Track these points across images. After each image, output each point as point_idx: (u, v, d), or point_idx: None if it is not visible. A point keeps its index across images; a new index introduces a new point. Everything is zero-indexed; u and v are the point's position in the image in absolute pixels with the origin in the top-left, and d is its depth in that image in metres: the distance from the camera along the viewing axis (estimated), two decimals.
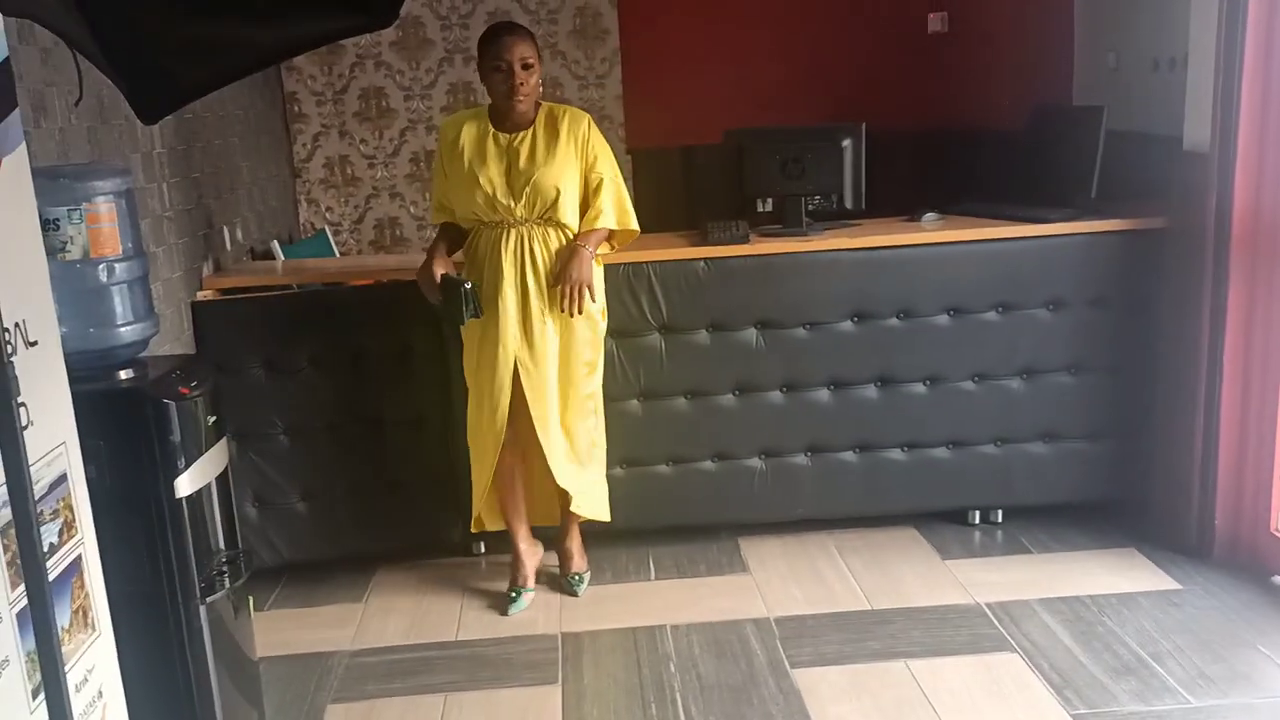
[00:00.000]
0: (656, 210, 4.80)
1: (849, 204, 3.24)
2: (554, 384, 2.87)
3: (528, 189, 2.77)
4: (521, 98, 2.74)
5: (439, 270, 2.78)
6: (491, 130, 2.80)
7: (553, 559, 3.15)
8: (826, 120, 4.38)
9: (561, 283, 2.78)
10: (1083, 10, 3.90)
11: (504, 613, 2.98)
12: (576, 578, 3.07)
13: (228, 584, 2.28)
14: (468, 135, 2.80)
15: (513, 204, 2.79)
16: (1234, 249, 2.87)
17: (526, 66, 2.72)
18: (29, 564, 1.38)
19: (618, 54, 4.77)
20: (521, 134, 2.80)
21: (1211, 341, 2.95)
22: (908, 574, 3.09)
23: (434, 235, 2.93)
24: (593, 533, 3.12)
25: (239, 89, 3.94)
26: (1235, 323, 2.91)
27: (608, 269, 3.08)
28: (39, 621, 1.39)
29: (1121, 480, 3.30)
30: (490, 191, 2.77)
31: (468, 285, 2.76)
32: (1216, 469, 3.00)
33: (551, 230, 2.81)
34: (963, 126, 4.56)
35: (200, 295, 3.22)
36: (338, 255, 4.48)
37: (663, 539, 3.35)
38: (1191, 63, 2.96)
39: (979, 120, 4.49)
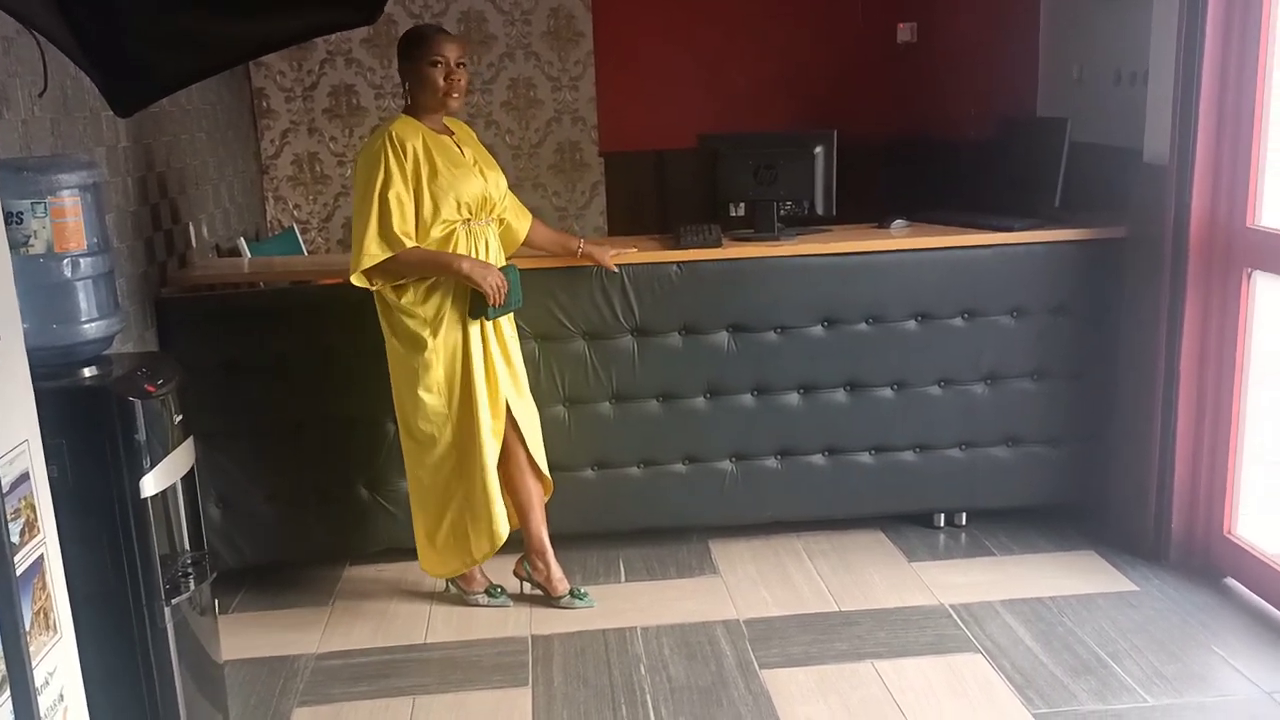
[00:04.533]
0: (629, 213, 4.86)
1: (820, 210, 3.28)
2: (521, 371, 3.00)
3: (493, 186, 2.85)
4: (456, 95, 2.75)
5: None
6: (434, 135, 2.77)
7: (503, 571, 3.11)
8: (798, 127, 4.44)
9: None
10: (1048, 24, 3.97)
11: (483, 600, 3.04)
12: (583, 591, 3.04)
13: (192, 585, 2.25)
14: (425, 142, 2.73)
15: (496, 199, 2.84)
16: (1191, 258, 2.94)
17: (461, 64, 2.75)
18: None
19: (591, 57, 4.77)
20: (450, 138, 2.82)
21: (1168, 349, 3.02)
22: (874, 576, 3.13)
23: (412, 259, 2.69)
24: (563, 535, 3.12)
25: (206, 83, 3.88)
26: (1191, 331, 2.98)
27: (580, 271, 3.10)
28: (6, 624, 1.37)
29: (1081, 484, 3.37)
30: (485, 186, 2.79)
31: (512, 264, 2.83)
32: (1172, 474, 3.07)
33: (494, 225, 2.90)
34: (931, 136, 4.62)
35: (165, 292, 3.18)
36: (305, 253, 4.43)
37: (633, 541, 3.36)
38: (1152, 77, 3.03)
39: (947, 130, 4.55)
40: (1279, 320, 2.91)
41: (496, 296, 2.73)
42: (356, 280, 2.72)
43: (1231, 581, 3.00)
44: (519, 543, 3.02)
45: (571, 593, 3.02)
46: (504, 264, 2.84)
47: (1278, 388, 2.96)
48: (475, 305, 2.76)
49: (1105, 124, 3.47)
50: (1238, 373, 2.93)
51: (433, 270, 2.73)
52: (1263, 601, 2.87)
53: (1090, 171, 3.41)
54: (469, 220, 2.78)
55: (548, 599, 3.03)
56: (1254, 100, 2.80)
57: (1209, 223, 2.92)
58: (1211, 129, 2.88)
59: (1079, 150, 3.34)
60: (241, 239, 4.03)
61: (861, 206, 3.50)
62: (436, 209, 2.71)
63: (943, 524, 3.44)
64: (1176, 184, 2.93)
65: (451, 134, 2.84)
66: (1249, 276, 2.88)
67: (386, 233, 2.67)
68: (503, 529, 2.88)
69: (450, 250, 2.75)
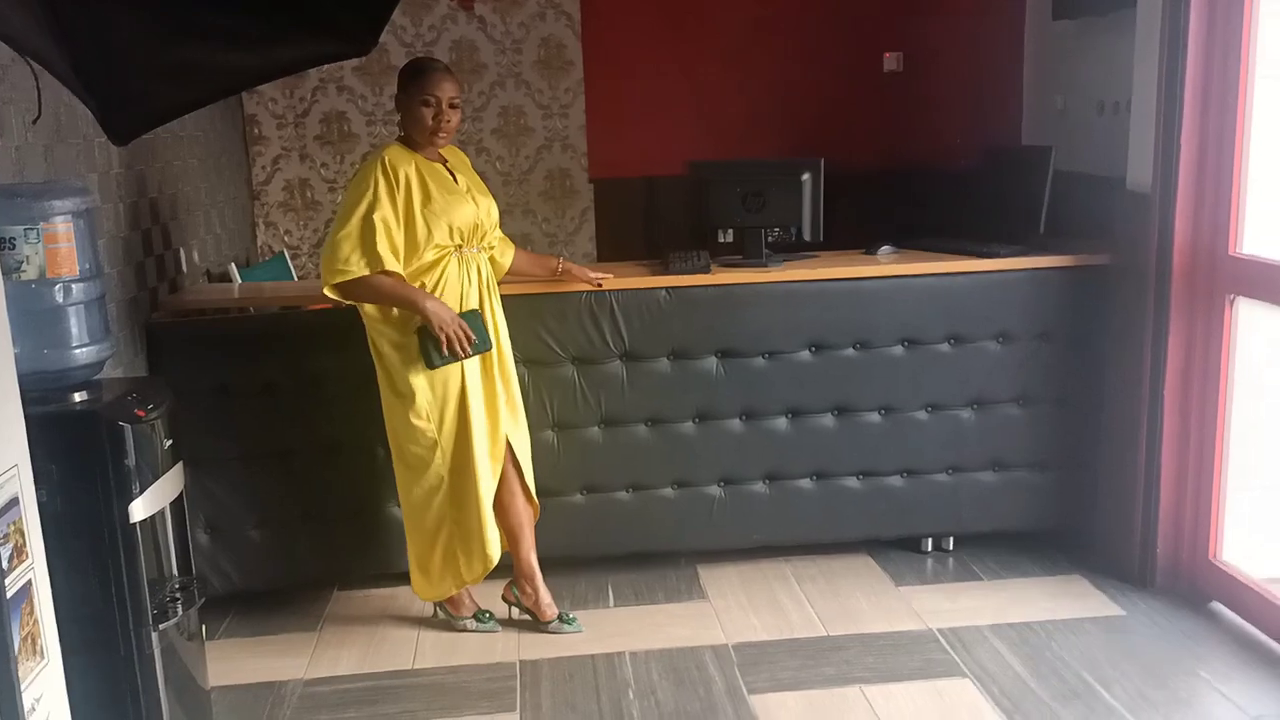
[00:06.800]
0: (619, 239, 4.89)
1: (807, 236, 3.31)
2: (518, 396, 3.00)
3: (485, 213, 2.87)
4: (444, 135, 2.78)
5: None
6: (427, 162, 2.80)
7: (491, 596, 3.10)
8: (786, 154, 4.47)
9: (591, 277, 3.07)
10: (1032, 55, 4.04)
11: (471, 625, 3.03)
12: (571, 616, 3.04)
13: (180, 611, 2.25)
14: (418, 168, 2.75)
15: (489, 225, 2.87)
16: (1174, 285, 2.98)
17: (453, 105, 2.77)
18: None
19: (581, 85, 4.82)
20: (443, 165, 2.84)
21: (1153, 375, 3.05)
22: (862, 600, 3.14)
23: (384, 286, 2.68)
24: (551, 559, 3.11)
25: (199, 110, 3.91)
26: (1175, 357, 3.01)
27: (570, 296, 3.12)
28: None
29: (1067, 509, 3.38)
30: (477, 212, 2.81)
31: (476, 310, 2.80)
32: (1158, 499, 3.09)
33: (485, 253, 2.91)
34: (917, 164, 4.67)
35: (155, 317, 3.18)
36: (296, 279, 4.45)
37: (622, 566, 3.36)
38: (1135, 107, 3.08)
39: (933, 158, 4.60)
40: (1261, 346, 2.95)
41: (453, 345, 2.70)
42: (330, 292, 2.71)
43: (1218, 606, 3.01)
44: (507, 567, 3.02)
45: (560, 618, 3.01)
46: (468, 309, 2.80)
47: (1260, 413, 2.99)
48: (425, 354, 2.73)
49: (1089, 153, 3.52)
50: (1221, 398, 2.96)
51: (401, 302, 2.72)
52: (1249, 626, 2.89)
53: (1074, 199, 3.46)
54: (461, 247, 2.80)
55: (536, 624, 3.03)
56: (1235, 129, 2.85)
57: (1192, 250, 2.96)
58: (1193, 158, 2.92)
59: (1063, 178, 3.39)
60: (232, 264, 4.04)
61: (849, 233, 3.53)
62: (430, 234, 2.73)
63: (930, 549, 3.45)
64: (1160, 212, 2.97)
65: (445, 161, 2.86)
66: (1231, 303, 2.92)
67: (369, 250, 2.66)
68: (495, 552, 2.88)
69: (441, 276, 2.77)
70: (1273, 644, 2.79)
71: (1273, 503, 3.04)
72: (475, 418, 2.82)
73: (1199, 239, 2.95)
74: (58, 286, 2.09)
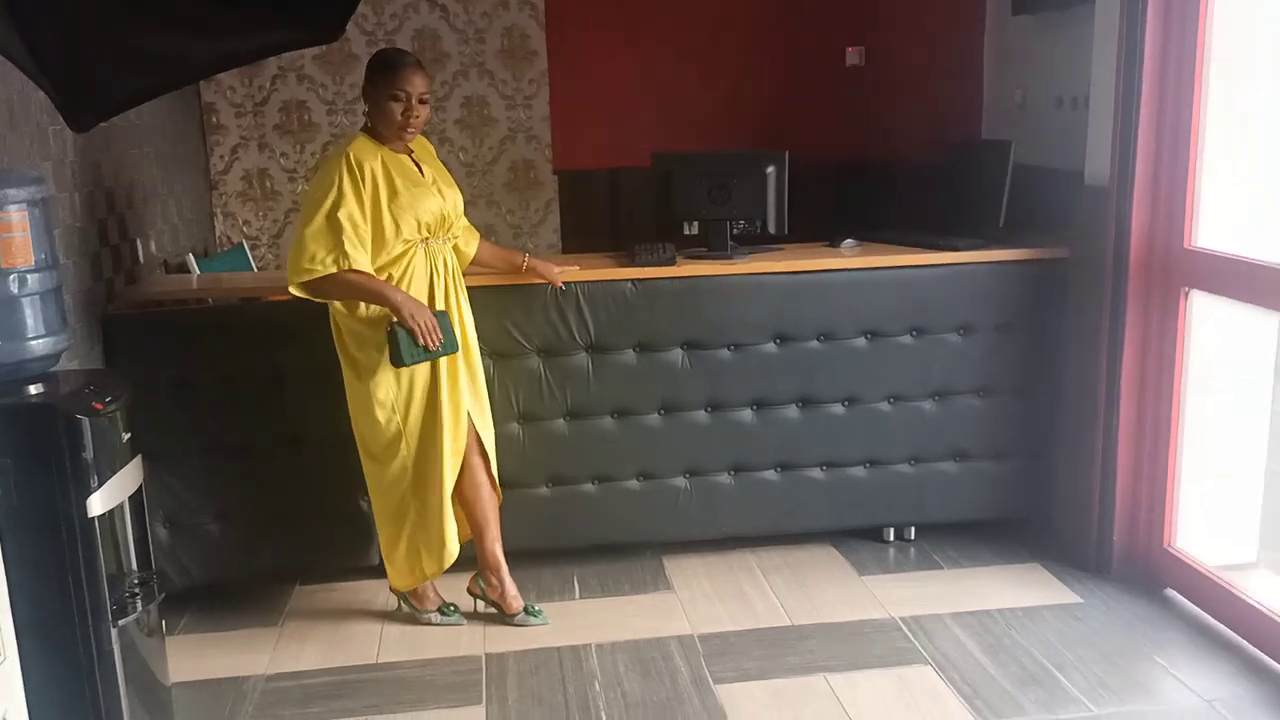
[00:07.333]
0: (583, 231, 4.88)
1: (772, 229, 3.32)
2: (483, 386, 2.98)
3: (451, 205, 2.85)
4: (413, 130, 2.74)
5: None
6: (392, 155, 2.76)
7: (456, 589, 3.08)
8: (750, 147, 4.49)
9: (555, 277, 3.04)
10: (992, 50, 4.09)
11: (436, 619, 3.02)
12: (537, 609, 3.04)
13: (140, 606, 2.22)
14: (384, 162, 2.71)
15: (454, 217, 2.84)
16: (1131, 278, 3.03)
17: (423, 101, 2.73)
18: None
19: (545, 75, 4.79)
20: (409, 156, 2.81)
21: (1109, 366, 3.10)
22: (826, 590, 3.17)
23: (352, 281, 2.64)
24: (517, 552, 3.11)
25: (155, 99, 3.84)
26: (1132, 348, 3.07)
27: (536, 288, 3.11)
28: None
29: (1026, 498, 3.44)
30: (443, 205, 2.78)
31: (444, 311, 2.78)
32: (1114, 488, 3.15)
33: (450, 244, 2.89)
34: (879, 157, 4.71)
35: (112, 309, 3.12)
36: (255, 270, 4.38)
37: (587, 558, 3.36)
38: (1093, 102, 3.13)
39: (895, 152, 4.65)
40: (1215, 338, 3.01)
41: (425, 338, 2.67)
42: (297, 290, 2.68)
43: (1172, 593, 3.08)
44: (472, 560, 3.01)
45: (526, 610, 3.01)
46: (436, 311, 2.77)
47: (1214, 404, 3.05)
48: (394, 351, 2.69)
49: (1047, 147, 3.57)
50: (1176, 389, 3.03)
51: (369, 297, 2.70)
52: (1201, 612, 2.96)
53: (1033, 193, 3.51)
54: (427, 239, 2.78)
55: (502, 617, 3.02)
56: (1190, 125, 2.90)
57: (1148, 243, 3.02)
58: (1150, 152, 2.97)
59: (1022, 172, 3.43)
60: (190, 255, 3.97)
61: (812, 226, 3.55)
62: (398, 229, 2.70)
63: (892, 538, 3.49)
64: (1117, 206, 3.02)
65: (410, 152, 2.83)
66: (1186, 295, 2.98)
67: (337, 248, 2.63)
68: (454, 547, 2.87)
69: (407, 269, 2.75)
70: (1225, 629, 2.86)
71: (1225, 491, 3.11)
72: (443, 409, 2.81)
73: (1155, 232, 3.01)
74: (12, 277, 2.04)
